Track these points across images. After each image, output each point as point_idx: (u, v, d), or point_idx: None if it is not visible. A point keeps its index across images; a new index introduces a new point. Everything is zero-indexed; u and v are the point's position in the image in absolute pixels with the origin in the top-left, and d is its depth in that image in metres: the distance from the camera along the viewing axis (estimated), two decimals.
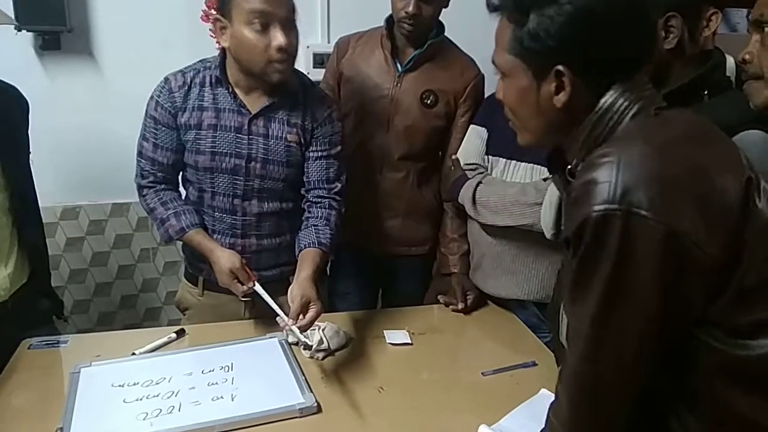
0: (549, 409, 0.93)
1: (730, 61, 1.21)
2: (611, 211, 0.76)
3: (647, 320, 0.78)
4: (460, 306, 1.76)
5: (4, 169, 1.47)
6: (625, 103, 0.86)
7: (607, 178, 0.77)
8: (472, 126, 1.79)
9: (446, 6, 1.77)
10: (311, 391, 1.34)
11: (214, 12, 2.01)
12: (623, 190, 0.75)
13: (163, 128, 1.56)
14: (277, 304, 1.47)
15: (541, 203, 1.52)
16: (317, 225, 1.59)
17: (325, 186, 1.63)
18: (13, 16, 2.07)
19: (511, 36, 0.90)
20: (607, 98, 0.86)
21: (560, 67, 0.85)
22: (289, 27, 1.46)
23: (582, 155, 0.88)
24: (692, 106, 1.06)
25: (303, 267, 1.50)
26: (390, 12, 1.78)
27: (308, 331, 1.47)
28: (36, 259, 1.62)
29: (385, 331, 1.63)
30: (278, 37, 1.43)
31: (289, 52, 1.46)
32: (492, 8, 0.94)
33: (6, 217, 1.51)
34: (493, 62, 0.96)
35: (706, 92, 1.10)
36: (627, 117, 0.86)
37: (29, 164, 1.61)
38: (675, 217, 0.75)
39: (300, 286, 1.44)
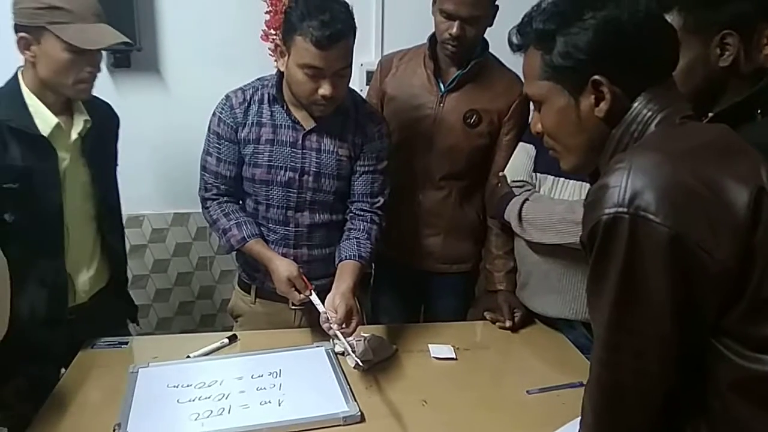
0: (580, 423, 0.93)
1: None
2: (620, 214, 0.78)
3: (660, 324, 0.79)
4: (508, 324, 1.75)
5: (94, 179, 1.58)
6: (650, 113, 0.88)
7: (617, 183, 0.79)
8: (520, 143, 1.78)
9: (491, 25, 1.76)
10: (355, 401, 1.36)
11: (273, 32, 2.10)
12: (632, 194, 0.78)
13: (226, 143, 1.63)
14: None
15: None
16: (359, 238, 1.64)
17: (369, 200, 1.68)
18: None
19: (541, 62, 0.93)
20: (635, 107, 0.89)
21: (597, 77, 0.88)
22: (340, 76, 1.50)
23: None
24: (745, 124, 1.04)
25: (344, 278, 1.55)
26: (433, 31, 1.79)
27: (354, 342, 1.50)
28: (116, 265, 1.71)
29: (429, 345, 1.64)
30: (325, 88, 1.47)
31: (335, 99, 1.52)
32: (516, 48, 0.98)
33: (92, 224, 1.61)
34: (527, 95, 1.00)
35: (759, 111, 1.07)
36: (652, 125, 0.88)
37: (116, 174, 1.72)
38: (682, 222, 0.76)
39: (343, 297, 1.49)
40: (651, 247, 0.77)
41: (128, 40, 1.49)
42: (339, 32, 1.43)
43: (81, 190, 1.55)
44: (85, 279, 1.59)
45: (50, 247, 1.49)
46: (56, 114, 1.45)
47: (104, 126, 1.62)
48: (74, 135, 1.50)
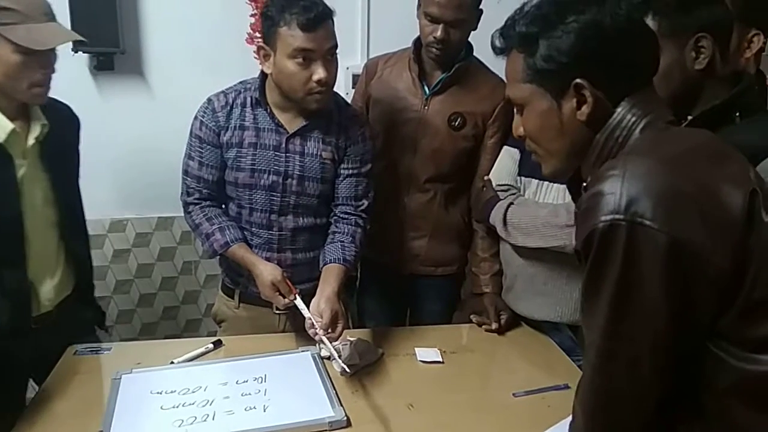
0: (569, 427, 0.93)
1: None
2: (617, 221, 0.78)
3: (657, 331, 0.79)
4: (494, 326, 1.75)
5: (54, 184, 1.54)
6: (634, 118, 0.88)
7: (612, 190, 0.79)
8: (505, 147, 1.79)
9: (475, 29, 1.76)
10: (341, 405, 1.36)
11: (258, 35, 2.10)
12: (628, 201, 0.77)
13: (208, 147, 1.62)
14: None
15: (573, 225, 1.52)
16: (343, 241, 1.64)
17: (353, 203, 1.68)
18: None
19: (524, 65, 0.93)
20: (618, 112, 0.89)
21: (579, 80, 0.88)
22: (330, 59, 1.51)
23: (595, 171, 0.90)
24: (724, 127, 1.05)
25: (329, 282, 1.55)
26: (418, 34, 1.79)
27: (340, 346, 1.49)
28: (81, 272, 1.67)
29: (416, 349, 1.64)
30: (319, 72, 1.48)
31: (329, 83, 1.52)
32: (499, 51, 0.98)
33: (54, 230, 1.57)
34: (509, 99, 1.00)
35: (737, 114, 1.08)
36: (636, 131, 0.88)
37: (78, 180, 1.68)
38: (678, 227, 0.76)
39: (328, 301, 1.48)
40: (649, 254, 0.76)
41: (81, 38, 1.46)
42: (322, 13, 1.47)
43: (41, 196, 1.51)
44: (49, 287, 1.55)
45: (10, 256, 1.45)
46: (12, 119, 1.40)
47: (63, 129, 1.57)
48: (31, 140, 1.45)
